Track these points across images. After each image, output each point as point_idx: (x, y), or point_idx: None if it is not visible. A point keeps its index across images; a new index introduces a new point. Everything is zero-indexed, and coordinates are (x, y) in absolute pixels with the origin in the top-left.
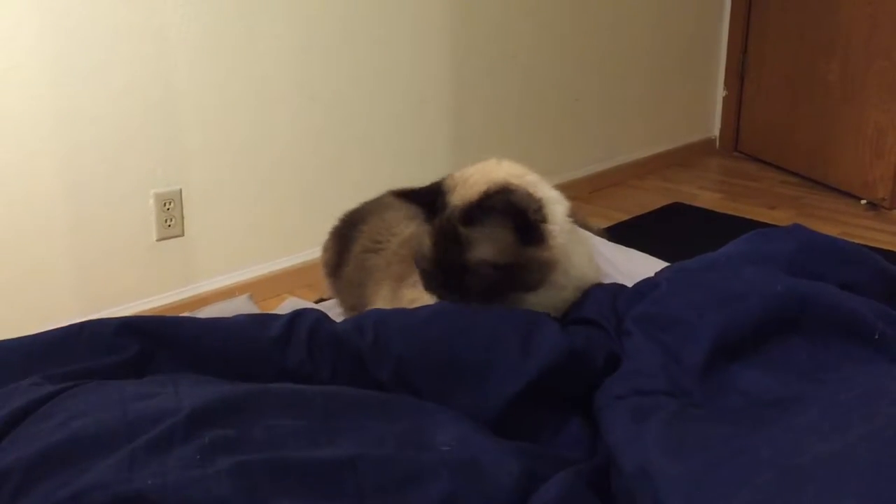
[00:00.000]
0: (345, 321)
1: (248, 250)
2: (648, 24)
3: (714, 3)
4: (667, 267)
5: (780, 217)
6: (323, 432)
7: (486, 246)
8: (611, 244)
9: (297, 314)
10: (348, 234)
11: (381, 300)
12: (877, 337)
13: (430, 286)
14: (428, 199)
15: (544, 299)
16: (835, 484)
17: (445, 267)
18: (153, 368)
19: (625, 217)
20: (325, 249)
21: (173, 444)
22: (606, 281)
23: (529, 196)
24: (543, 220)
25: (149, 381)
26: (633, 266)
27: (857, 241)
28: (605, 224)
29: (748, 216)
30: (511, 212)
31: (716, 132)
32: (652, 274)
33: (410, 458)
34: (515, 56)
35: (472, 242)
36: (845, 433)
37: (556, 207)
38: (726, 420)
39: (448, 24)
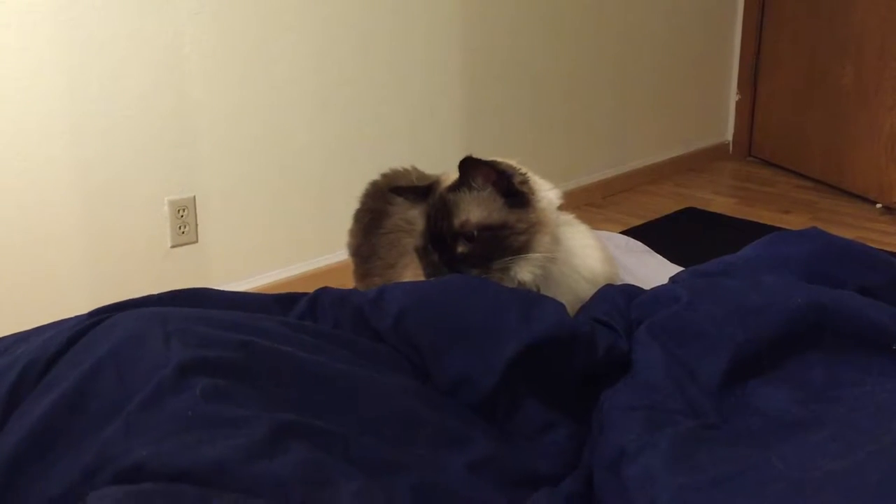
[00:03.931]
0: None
1: (261, 256)
2: (661, 29)
3: (727, 6)
4: (683, 271)
5: (795, 222)
6: (311, 406)
7: (472, 207)
8: (625, 250)
9: (303, 292)
10: (374, 209)
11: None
12: (894, 348)
13: (426, 269)
14: (425, 192)
15: (557, 294)
16: (841, 499)
17: (436, 237)
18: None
19: (638, 222)
20: (351, 234)
21: (164, 398)
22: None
23: (513, 168)
24: (530, 191)
25: (139, 315)
26: (647, 272)
27: (872, 245)
28: (618, 229)
29: (762, 221)
30: (495, 177)
31: (729, 136)
32: (666, 279)
33: (392, 451)
34: (528, 63)
35: (459, 205)
36: (856, 452)
37: (548, 193)
38: (741, 442)
39: (461, 32)
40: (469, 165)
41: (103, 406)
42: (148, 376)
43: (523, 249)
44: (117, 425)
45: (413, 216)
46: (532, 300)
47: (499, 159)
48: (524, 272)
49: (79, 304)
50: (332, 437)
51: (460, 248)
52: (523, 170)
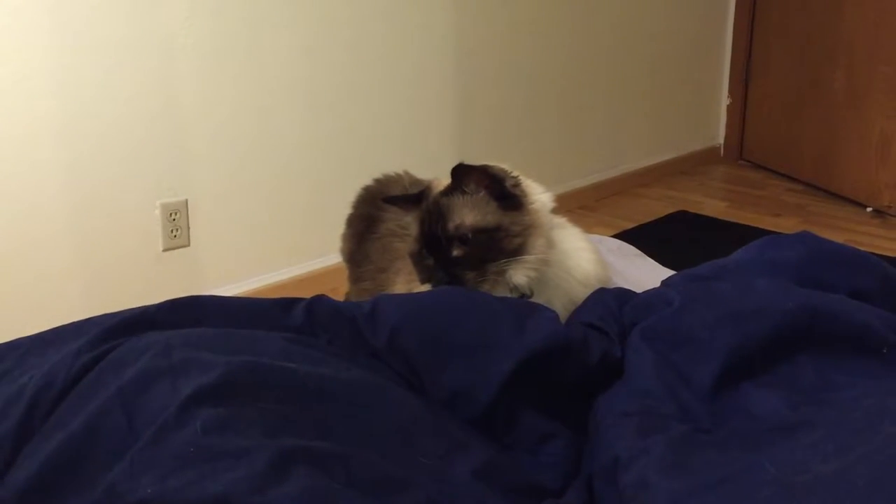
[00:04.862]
0: (345, 301)
1: (254, 260)
2: (652, 33)
3: (718, 10)
4: (675, 275)
5: (786, 225)
6: (314, 422)
7: (466, 211)
8: (617, 253)
9: (299, 298)
10: (367, 214)
11: (397, 288)
12: (885, 351)
13: (421, 274)
14: (418, 199)
15: (551, 297)
16: (832, 502)
17: (431, 241)
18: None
19: (630, 225)
20: (344, 239)
21: (167, 434)
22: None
23: (505, 171)
24: (522, 194)
25: (145, 347)
26: (639, 275)
27: (862, 248)
28: (610, 232)
29: (753, 224)
30: (488, 181)
31: (720, 140)
32: (658, 283)
33: (396, 466)
34: (520, 65)
35: (453, 209)
36: (847, 454)
37: (540, 196)
38: (733, 445)
39: (453, 35)
40: (461, 171)
41: (111, 446)
42: (155, 416)
43: (518, 252)
44: (124, 464)
45: (407, 222)
46: (525, 311)
47: (491, 163)
48: (519, 275)
49: (70, 309)
50: (334, 460)
51: (455, 252)
52: (515, 173)
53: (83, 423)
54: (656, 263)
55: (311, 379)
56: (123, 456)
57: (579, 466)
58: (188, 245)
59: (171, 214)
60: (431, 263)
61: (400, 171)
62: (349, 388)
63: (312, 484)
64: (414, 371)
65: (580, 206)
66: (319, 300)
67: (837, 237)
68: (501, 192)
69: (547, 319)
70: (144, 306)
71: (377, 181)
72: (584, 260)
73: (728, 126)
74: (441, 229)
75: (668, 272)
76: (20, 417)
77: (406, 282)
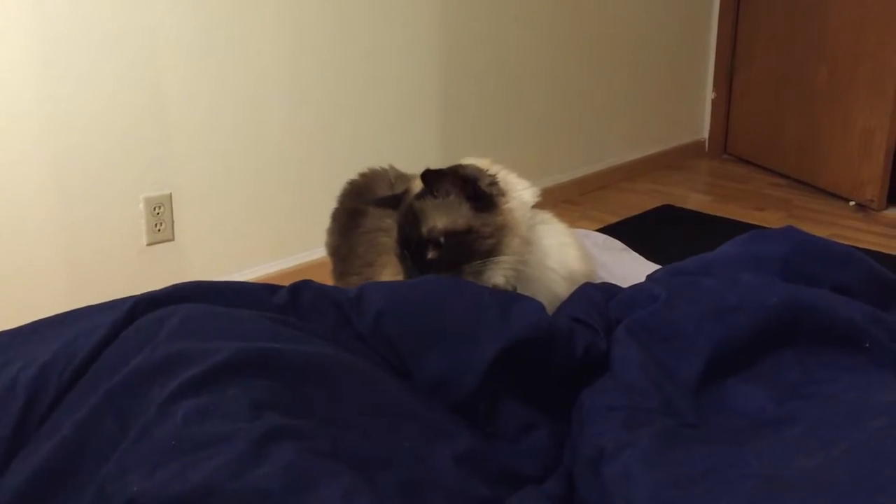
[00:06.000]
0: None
1: (238, 254)
2: (637, 27)
3: (702, 5)
4: (661, 269)
5: (769, 219)
6: (298, 403)
7: (439, 214)
8: (602, 247)
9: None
10: (352, 209)
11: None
12: (867, 345)
13: (404, 273)
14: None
15: (535, 293)
16: (814, 496)
17: (407, 243)
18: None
19: (614, 219)
20: (329, 233)
21: (151, 430)
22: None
23: (481, 171)
24: (498, 192)
25: (135, 346)
26: (625, 269)
27: (845, 242)
28: (595, 226)
29: (737, 218)
30: (461, 182)
31: (705, 134)
32: (643, 277)
33: (379, 447)
34: (504, 60)
35: (426, 212)
36: (830, 448)
37: (522, 193)
38: (717, 440)
39: (437, 29)
40: (430, 177)
41: (103, 449)
42: (142, 415)
43: (492, 252)
44: (111, 464)
45: (388, 223)
46: (510, 300)
47: (465, 162)
48: (497, 276)
49: (53, 303)
50: (318, 439)
51: (430, 254)
52: (493, 170)
53: (75, 428)
54: (641, 258)
55: (296, 360)
56: (113, 455)
57: (560, 458)
58: (172, 239)
59: (155, 208)
60: (409, 262)
61: (385, 165)
62: (334, 370)
63: (294, 459)
64: (398, 356)
65: (565, 200)
66: (305, 284)
67: (821, 231)
68: (475, 192)
69: (532, 309)
70: (129, 297)
71: (362, 175)
72: (569, 255)
73: (712, 120)
74: (415, 233)
75: (653, 266)
76: (15, 422)
77: (392, 275)
